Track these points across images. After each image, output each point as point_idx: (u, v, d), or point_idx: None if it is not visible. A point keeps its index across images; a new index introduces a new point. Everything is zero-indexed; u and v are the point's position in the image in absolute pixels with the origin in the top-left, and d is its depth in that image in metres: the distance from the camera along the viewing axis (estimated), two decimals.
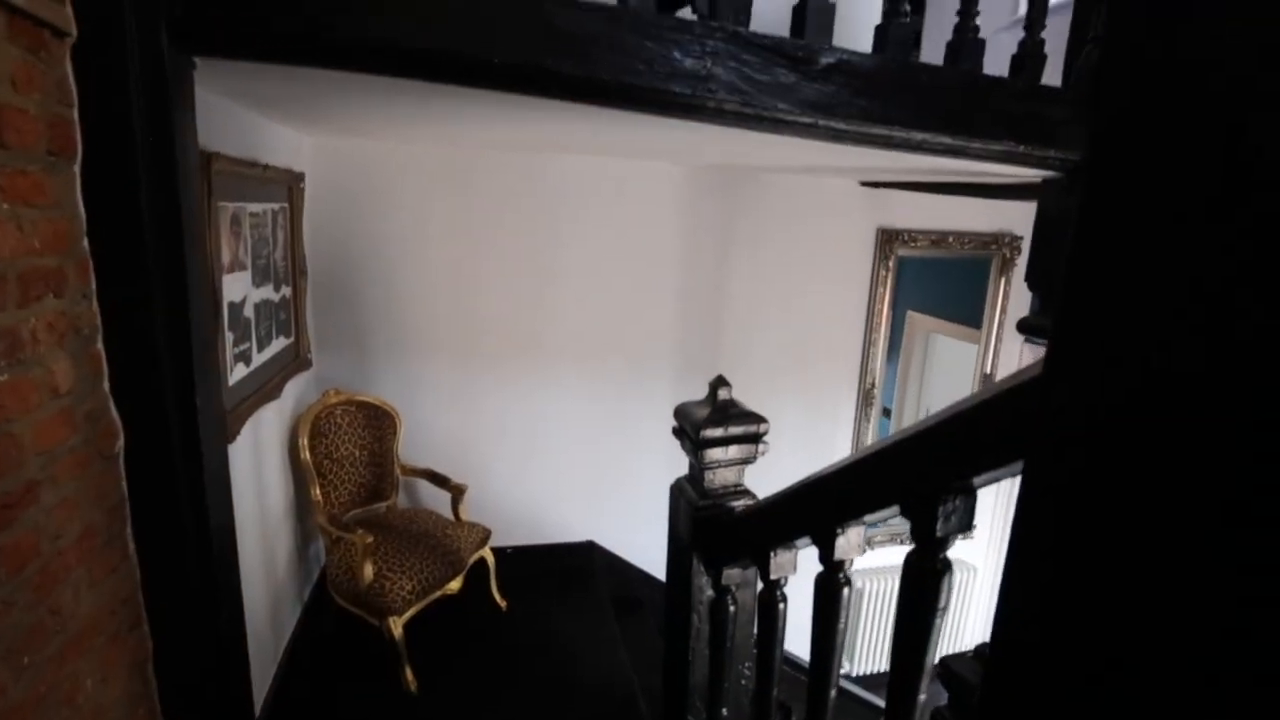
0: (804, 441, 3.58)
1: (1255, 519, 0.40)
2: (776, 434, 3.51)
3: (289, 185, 2.20)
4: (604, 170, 2.95)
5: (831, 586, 1.13)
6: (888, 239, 3.44)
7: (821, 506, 1.11)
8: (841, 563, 1.12)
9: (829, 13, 1.39)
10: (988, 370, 3.96)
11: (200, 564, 1.33)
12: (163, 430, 1.23)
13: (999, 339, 3.90)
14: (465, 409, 3.01)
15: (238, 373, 1.73)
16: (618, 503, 3.35)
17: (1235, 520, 0.41)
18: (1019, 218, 3.65)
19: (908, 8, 1.47)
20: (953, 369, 5.12)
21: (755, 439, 1.48)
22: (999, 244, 3.73)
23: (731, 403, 1.48)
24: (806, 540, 1.17)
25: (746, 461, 1.51)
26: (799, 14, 1.39)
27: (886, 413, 5.86)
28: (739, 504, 1.50)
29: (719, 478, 1.50)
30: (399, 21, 1.13)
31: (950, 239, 3.61)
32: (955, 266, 4.68)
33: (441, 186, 2.76)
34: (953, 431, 0.80)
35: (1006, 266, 3.79)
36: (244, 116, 1.79)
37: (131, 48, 1.04)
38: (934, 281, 5.15)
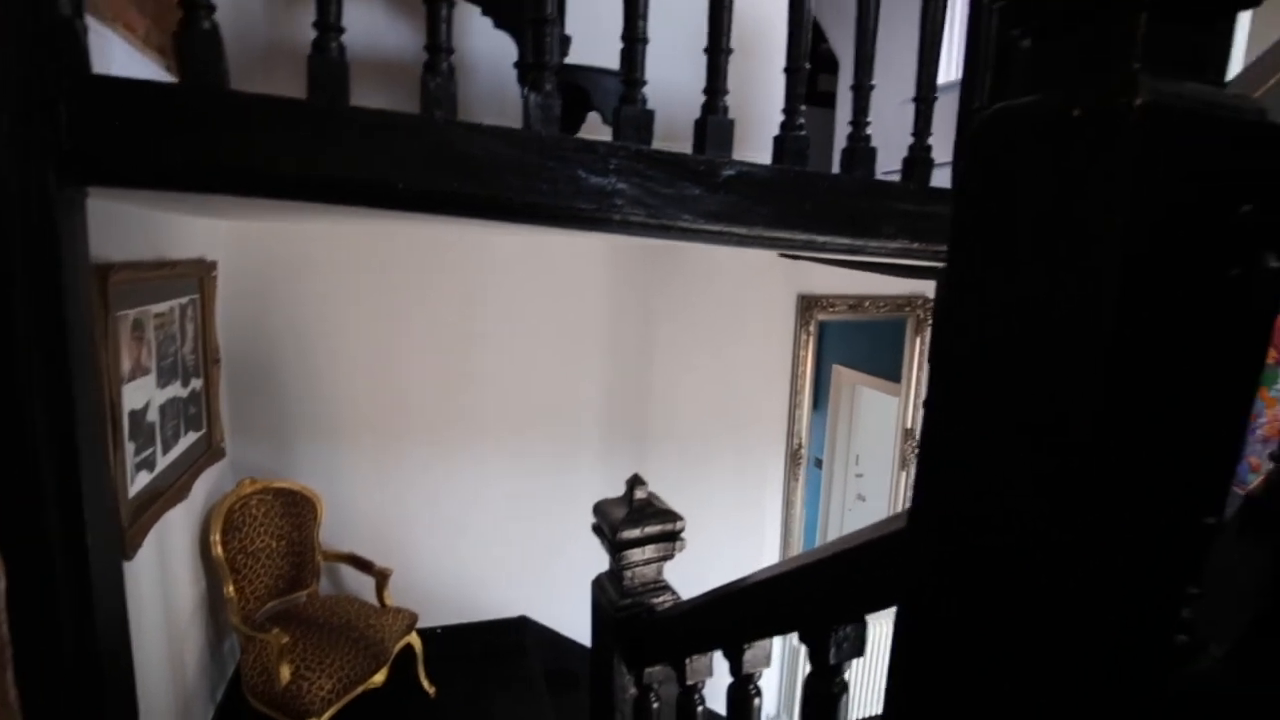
0: (735, 503, 3.63)
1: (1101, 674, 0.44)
2: (709, 496, 3.56)
3: (200, 276, 2.15)
4: (527, 243, 2.99)
5: (741, 698, 1.15)
6: (807, 304, 3.58)
7: (727, 623, 1.13)
8: (750, 675, 1.14)
9: (728, 128, 1.47)
10: (909, 425, 4.12)
11: (87, 700, 1.25)
12: (47, 564, 1.17)
13: (917, 394, 4.07)
14: (391, 489, 2.94)
15: (140, 481, 1.65)
16: (550, 575, 3.30)
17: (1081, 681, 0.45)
18: (932, 281, 3.86)
19: (801, 121, 1.57)
20: (879, 419, 5.30)
21: (672, 537, 1.50)
22: (912, 306, 3.93)
23: (648, 502, 1.51)
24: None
25: (665, 559, 1.53)
26: (700, 130, 1.46)
27: (819, 463, 6.02)
28: (660, 599, 1.51)
29: (638, 576, 1.51)
30: (295, 150, 1.14)
31: (866, 303, 3.78)
32: (875, 324, 4.89)
33: (361, 263, 2.74)
34: (834, 572, 0.84)
35: (920, 327, 3.99)
36: (149, 218, 1.76)
37: (9, 186, 1.01)
38: (857, 337, 5.37)
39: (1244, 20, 2.70)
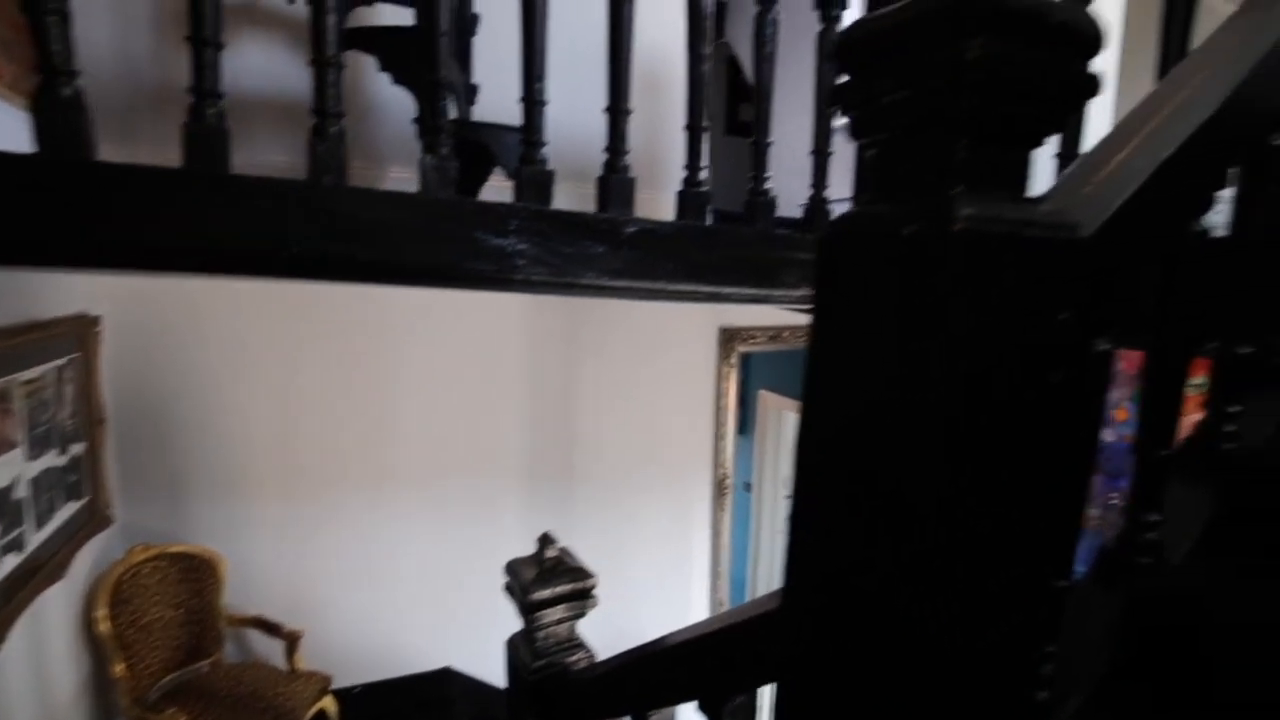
0: (664, 536, 3.63)
1: None
2: (637, 532, 3.55)
3: (80, 334, 2.02)
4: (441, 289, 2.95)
5: None
6: (729, 337, 3.65)
7: (634, 689, 1.12)
8: None
9: (629, 186, 1.49)
10: None
11: None
12: None
13: None
14: (302, 545, 2.81)
15: (8, 564, 1.52)
16: (475, 623, 3.21)
17: None
18: None
19: (703, 176, 1.61)
20: None
21: (584, 594, 1.49)
22: None
23: (560, 560, 1.49)
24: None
25: (577, 617, 1.51)
26: (602, 188, 1.48)
27: (748, 488, 6.10)
28: (575, 659, 1.49)
29: (551, 636, 1.49)
30: (171, 222, 1.09)
31: (785, 333, 3.88)
32: (797, 352, 5.03)
33: (264, 310, 2.63)
34: (720, 648, 0.84)
35: None
36: (13, 278, 1.64)
37: None
38: (782, 363, 5.49)
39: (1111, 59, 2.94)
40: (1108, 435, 2.73)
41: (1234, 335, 0.95)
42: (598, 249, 1.45)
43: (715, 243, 1.59)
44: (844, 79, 0.62)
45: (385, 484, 2.94)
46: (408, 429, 2.95)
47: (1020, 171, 0.58)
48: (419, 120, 1.29)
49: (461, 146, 1.76)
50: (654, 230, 1.51)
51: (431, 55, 1.26)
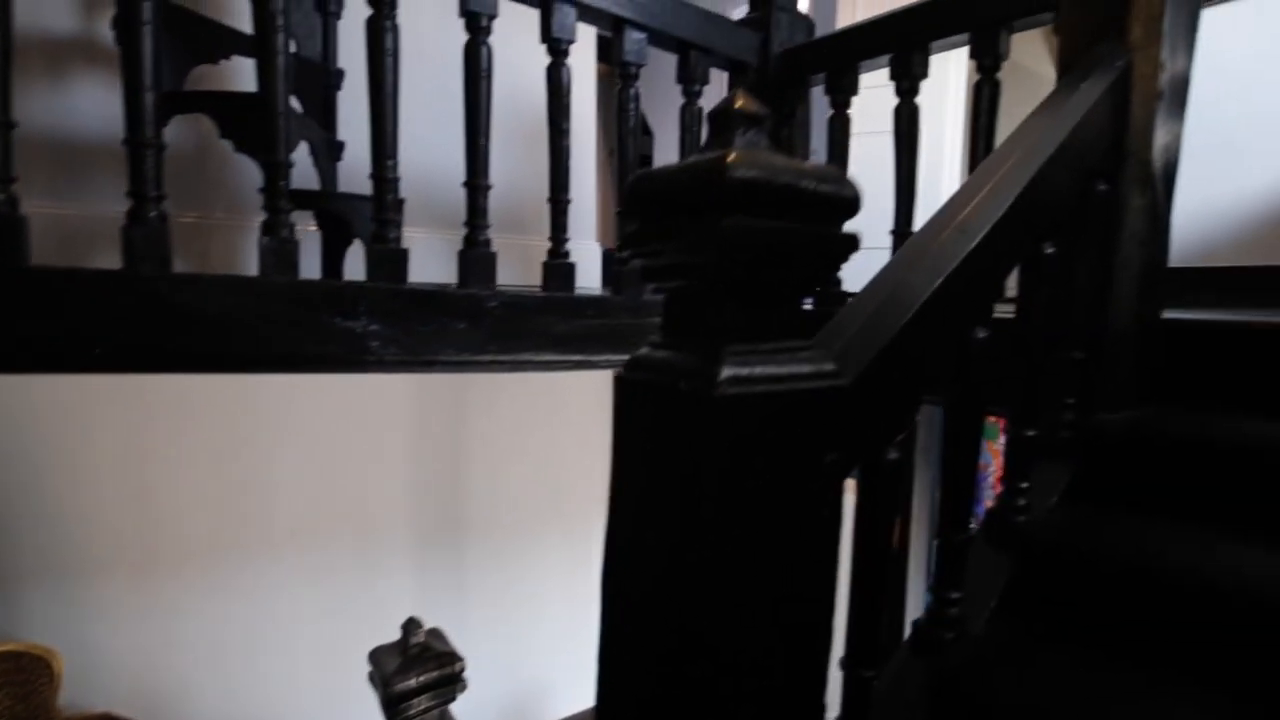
0: (569, 589, 3.57)
1: None
2: (540, 585, 3.48)
3: None
4: None
5: None
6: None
7: None
8: None
9: (490, 260, 1.49)
10: None
11: None
12: None
13: None
14: (158, 627, 2.58)
15: None
16: (360, 691, 3.05)
17: None
18: None
19: (567, 248, 1.63)
20: None
21: (452, 680, 1.45)
22: None
23: (426, 645, 1.45)
24: None
25: (447, 702, 1.47)
26: (463, 262, 1.47)
27: None
28: None
29: None
30: None
31: None
32: None
33: (107, 381, 2.42)
34: None
35: None
36: None
37: None
38: None
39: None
40: None
41: (1020, 419, 1.05)
42: (458, 325, 1.44)
43: (581, 312, 1.61)
44: (631, 227, 0.65)
45: (259, 554, 2.76)
46: (283, 489, 2.78)
47: (790, 321, 0.63)
48: (263, 193, 1.24)
49: (320, 215, 1.72)
50: (518, 302, 1.52)
51: (270, 133, 1.22)
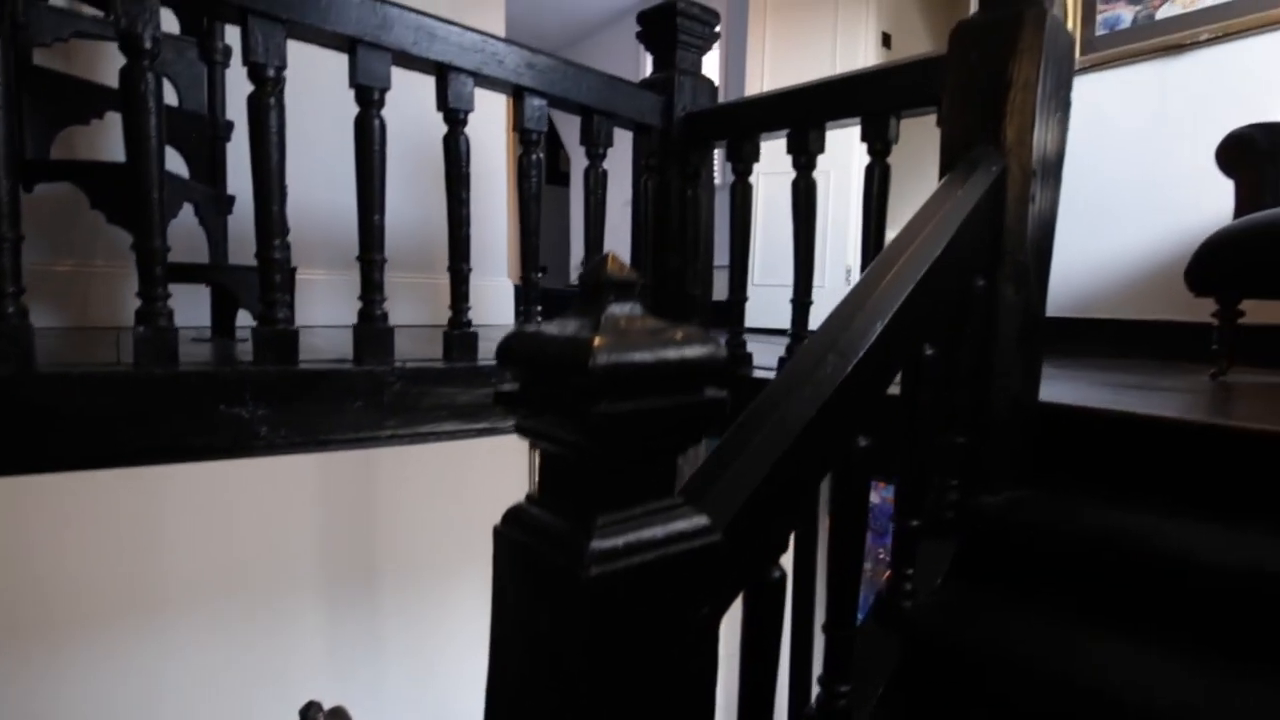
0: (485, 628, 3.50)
1: None
2: (462, 628, 3.39)
3: None
4: None
5: None
6: None
7: None
8: None
9: (388, 335, 1.45)
10: None
11: None
12: None
13: None
14: (34, 707, 2.38)
15: None
16: None
17: None
18: None
19: (468, 319, 1.60)
20: None
21: None
22: None
23: None
24: None
25: None
26: (358, 337, 1.42)
27: None
28: None
29: None
30: None
31: None
32: None
33: None
34: None
35: None
36: None
37: None
38: None
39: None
40: (874, 498, 3.08)
41: (906, 509, 1.10)
42: (354, 404, 1.40)
43: (485, 380, 1.59)
44: (507, 386, 0.65)
45: (149, 611, 2.58)
46: (175, 541, 2.61)
47: (664, 477, 0.64)
48: (139, 276, 1.17)
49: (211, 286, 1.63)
50: (419, 375, 1.48)
51: (145, 220, 1.15)
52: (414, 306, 2.99)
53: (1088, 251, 2.54)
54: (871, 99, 1.42)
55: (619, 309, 0.60)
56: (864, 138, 1.45)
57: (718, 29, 1.94)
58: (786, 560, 0.81)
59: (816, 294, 1.60)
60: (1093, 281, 2.54)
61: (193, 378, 1.21)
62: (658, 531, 0.60)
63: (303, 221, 2.66)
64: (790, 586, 0.91)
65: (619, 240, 2.01)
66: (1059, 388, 1.44)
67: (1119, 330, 2.44)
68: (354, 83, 1.35)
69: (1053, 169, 1.20)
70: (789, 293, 1.62)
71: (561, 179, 7.65)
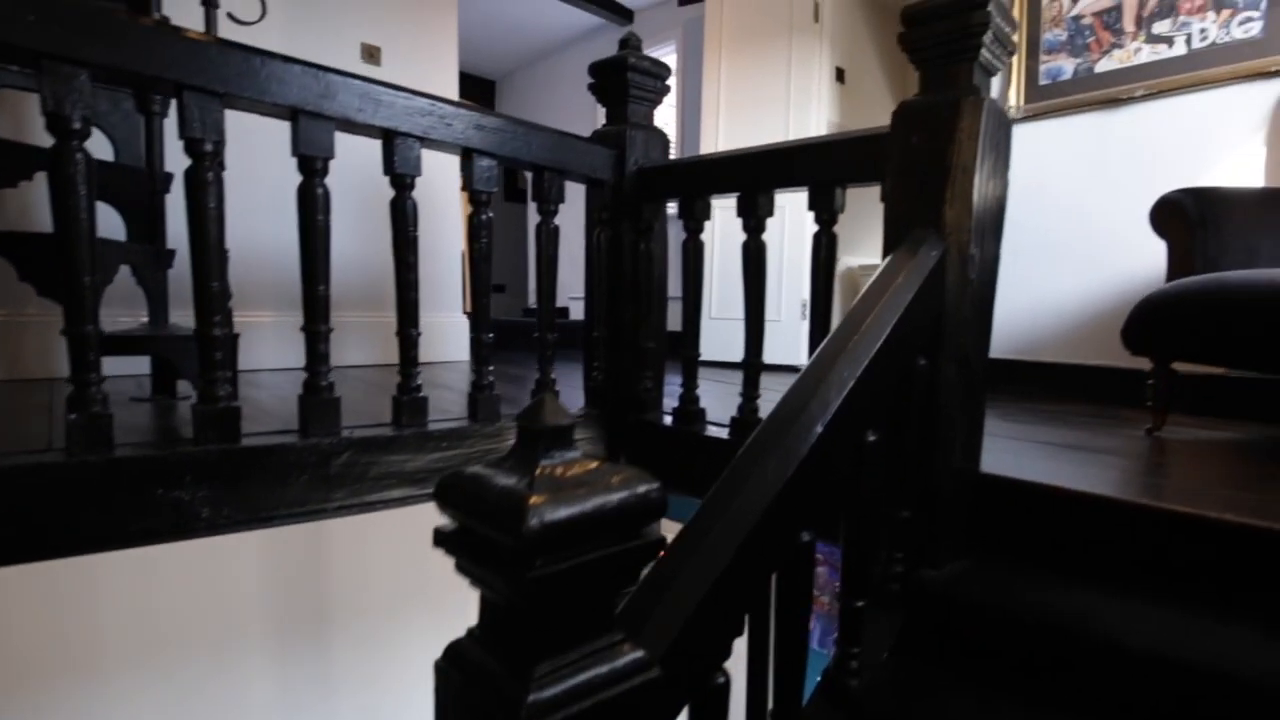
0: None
1: None
2: (410, 659, 3.32)
3: None
4: None
5: None
6: None
7: None
8: None
9: (333, 407, 1.42)
10: None
11: None
12: None
13: None
14: None
15: None
16: None
17: None
18: None
19: (418, 383, 1.58)
20: None
21: None
22: None
23: None
24: None
25: None
26: (305, 408, 1.40)
27: None
28: None
29: None
30: None
31: None
32: None
33: None
34: None
35: None
36: None
37: None
38: None
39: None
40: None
41: (851, 590, 1.12)
42: (300, 478, 1.37)
43: (436, 445, 1.57)
44: (447, 526, 0.65)
45: (87, 668, 2.48)
46: (113, 597, 2.52)
47: (603, 619, 0.64)
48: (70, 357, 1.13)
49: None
50: (366, 444, 1.46)
51: (75, 304, 1.11)
52: (364, 346, 2.94)
53: (1030, 295, 2.63)
54: (818, 170, 1.45)
55: (555, 458, 0.60)
56: (811, 206, 1.48)
57: (668, 81, 1.96)
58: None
59: (772, 328, 1.61)
60: (1033, 325, 2.63)
61: (130, 465, 1.17)
62: (597, 674, 0.60)
63: (248, 260, 2.60)
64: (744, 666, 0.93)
65: (578, 271, 2.01)
66: (999, 449, 1.49)
67: (1060, 374, 2.52)
68: (296, 152, 1.32)
69: (991, 248, 1.25)
70: (740, 327, 1.63)
71: (519, 195, 7.62)
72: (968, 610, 1.13)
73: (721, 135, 3.68)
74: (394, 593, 3.26)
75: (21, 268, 1.32)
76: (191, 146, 1.19)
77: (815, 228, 1.48)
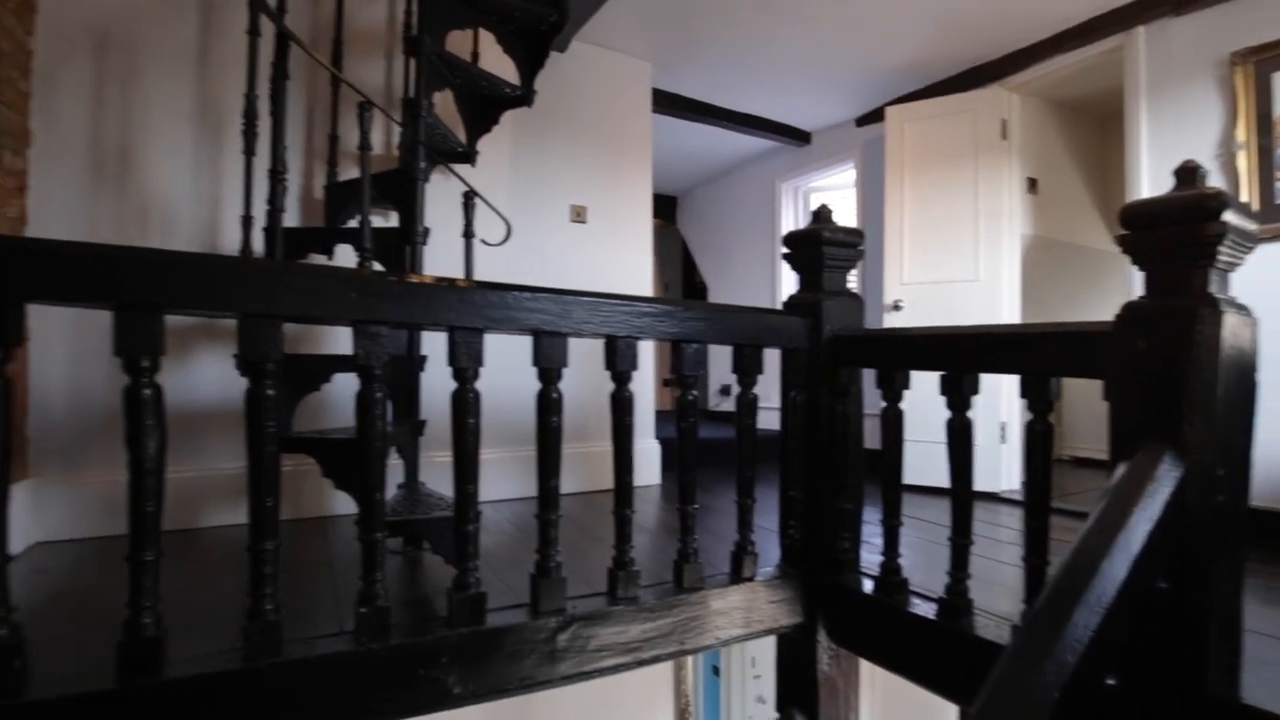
0: None
1: None
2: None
3: None
4: None
5: None
6: None
7: None
8: None
9: (562, 585, 1.56)
10: None
11: None
12: None
13: None
14: None
15: None
16: None
17: None
18: None
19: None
20: None
21: None
22: None
23: None
24: None
25: None
26: (537, 587, 1.55)
27: (716, 670, 5.91)
28: None
29: None
30: None
31: None
32: None
33: None
34: None
35: None
36: None
37: None
38: None
39: None
40: None
41: None
42: (531, 654, 1.51)
43: (644, 618, 1.66)
44: None
45: None
46: None
47: None
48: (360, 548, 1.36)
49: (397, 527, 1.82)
50: (588, 618, 1.58)
51: (368, 516, 1.35)
52: (570, 474, 3.17)
53: None
54: (1028, 360, 1.41)
55: None
56: (1023, 394, 1.43)
57: (861, 247, 2.01)
58: None
59: None
60: None
61: (401, 650, 1.37)
62: None
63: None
64: None
65: (770, 383, 2.02)
66: (1266, 659, 1.29)
67: None
68: (536, 364, 1.52)
69: (1240, 465, 1.14)
70: (940, 449, 1.61)
71: (699, 292, 7.90)
72: None
73: (906, 256, 3.64)
74: None
75: (325, 466, 1.62)
76: (458, 375, 1.43)
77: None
